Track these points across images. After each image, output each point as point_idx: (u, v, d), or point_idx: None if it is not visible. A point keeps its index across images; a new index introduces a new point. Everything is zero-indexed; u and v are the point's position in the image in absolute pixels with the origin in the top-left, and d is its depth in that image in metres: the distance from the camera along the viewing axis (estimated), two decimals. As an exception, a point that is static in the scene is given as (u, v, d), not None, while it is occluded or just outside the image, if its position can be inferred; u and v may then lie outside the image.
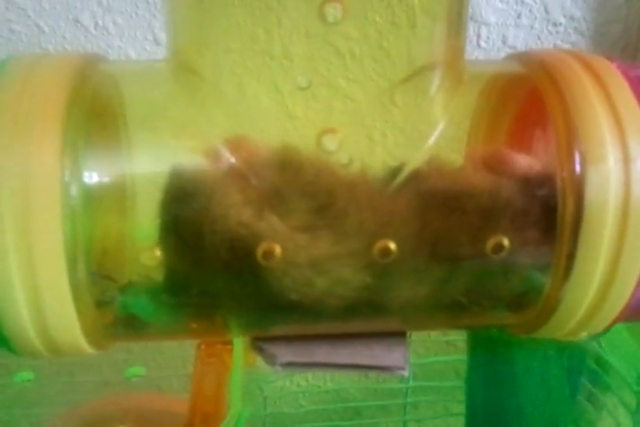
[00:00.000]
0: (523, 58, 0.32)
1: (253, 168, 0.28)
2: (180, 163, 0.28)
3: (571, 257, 0.28)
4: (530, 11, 0.57)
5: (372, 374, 0.34)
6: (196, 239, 0.27)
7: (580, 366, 0.45)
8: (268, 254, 0.27)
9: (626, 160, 0.27)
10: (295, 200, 0.28)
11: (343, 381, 0.68)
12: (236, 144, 0.28)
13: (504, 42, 0.57)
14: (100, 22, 0.54)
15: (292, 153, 0.28)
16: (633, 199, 0.27)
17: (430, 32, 0.29)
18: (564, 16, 0.57)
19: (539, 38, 0.58)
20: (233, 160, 0.28)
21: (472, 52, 0.57)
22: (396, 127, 0.29)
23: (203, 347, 0.34)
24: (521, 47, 0.58)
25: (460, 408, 0.48)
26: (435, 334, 0.61)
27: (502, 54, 0.54)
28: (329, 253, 0.28)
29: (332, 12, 0.27)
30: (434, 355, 0.61)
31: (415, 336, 0.54)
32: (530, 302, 0.30)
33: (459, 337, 0.55)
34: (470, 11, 0.56)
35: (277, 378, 0.62)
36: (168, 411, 0.47)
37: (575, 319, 0.30)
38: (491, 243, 0.28)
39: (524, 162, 0.29)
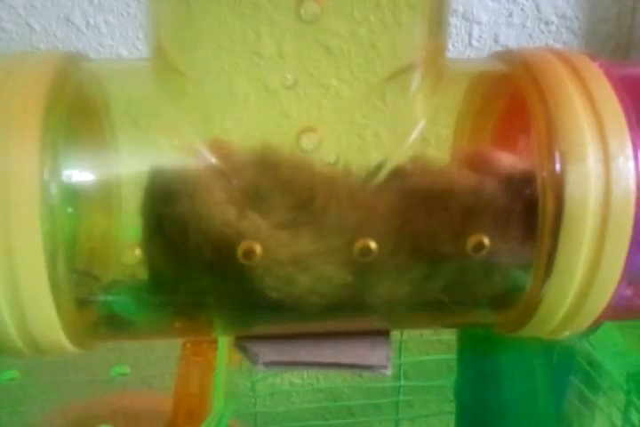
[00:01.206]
0: (505, 56, 0.32)
1: (233, 166, 0.28)
2: (161, 162, 0.28)
3: (551, 256, 0.28)
4: (522, 9, 0.57)
5: (360, 372, 0.34)
6: (177, 238, 0.27)
7: (569, 366, 0.45)
8: (249, 253, 0.27)
9: (606, 159, 0.27)
10: (274, 197, 0.28)
11: (336, 379, 0.68)
12: (217, 143, 0.28)
13: (496, 41, 0.57)
14: (92, 21, 0.54)
15: (271, 151, 0.28)
16: (613, 198, 0.27)
17: (414, 29, 0.29)
18: (556, 15, 0.57)
19: (530, 37, 0.58)
20: (213, 159, 0.28)
21: (464, 51, 0.57)
22: (380, 124, 0.29)
23: (188, 346, 0.34)
24: (513, 46, 0.58)
25: (453, 407, 0.49)
26: (427, 333, 0.61)
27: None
28: (310, 249, 0.28)
29: (309, 9, 0.27)
30: (426, 354, 0.61)
31: (407, 335, 0.54)
32: (512, 300, 0.30)
33: (451, 336, 0.55)
34: (462, 9, 0.56)
35: (269, 376, 0.62)
36: (157, 409, 0.47)
37: (557, 318, 0.30)
38: (472, 241, 0.28)
39: (506, 161, 0.29)
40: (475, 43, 0.57)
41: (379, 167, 0.28)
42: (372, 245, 0.28)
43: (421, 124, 0.29)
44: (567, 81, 0.28)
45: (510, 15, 0.57)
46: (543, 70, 0.29)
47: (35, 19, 0.54)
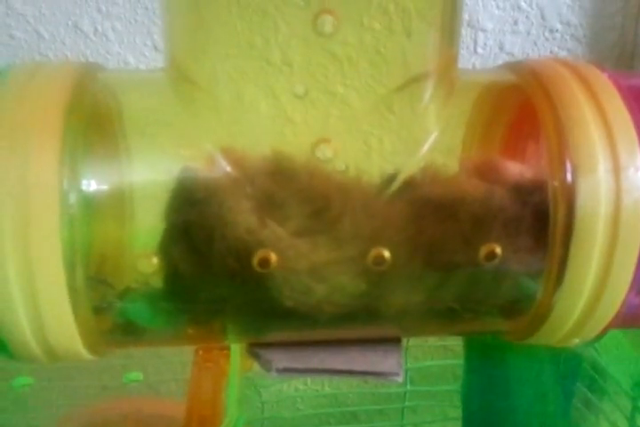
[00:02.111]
0: (515, 67, 0.32)
1: (248, 175, 0.28)
2: (182, 170, 0.28)
3: (562, 265, 0.28)
4: (526, 17, 0.57)
5: (372, 379, 0.34)
6: (199, 246, 0.28)
7: (576, 372, 0.45)
8: (265, 262, 0.27)
9: (616, 170, 0.27)
10: (290, 206, 0.28)
11: (341, 385, 0.68)
12: (231, 152, 0.29)
13: (501, 48, 0.58)
14: (100, 28, 0.55)
15: (286, 159, 0.28)
16: (623, 208, 0.27)
17: (425, 39, 0.29)
18: (561, 22, 0.57)
19: (535, 45, 0.58)
20: (229, 168, 0.28)
21: (469, 58, 0.58)
22: (391, 134, 0.29)
23: (200, 352, 0.35)
24: (518, 53, 0.58)
25: (458, 413, 0.49)
26: (432, 339, 0.61)
27: (499, 60, 0.55)
28: (326, 259, 0.28)
29: (326, 23, 0.27)
30: (431, 359, 0.61)
31: (413, 341, 0.54)
32: (522, 308, 0.31)
33: (456, 342, 0.55)
34: (467, 17, 0.56)
35: (275, 382, 0.62)
36: (166, 415, 0.48)
37: (567, 326, 0.30)
38: (484, 250, 0.28)
39: (517, 170, 0.30)
40: (480, 50, 0.57)
41: (392, 177, 0.29)
42: (386, 254, 0.28)
43: (434, 135, 0.29)
44: (577, 92, 0.29)
45: (515, 23, 0.57)
46: (553, 81, 0.29)
47: (43, 26, 0.54)
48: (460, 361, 0.46)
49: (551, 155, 0.28)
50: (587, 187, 0.27)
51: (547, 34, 0.58)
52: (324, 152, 0.28)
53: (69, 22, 0.54)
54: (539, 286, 0.29)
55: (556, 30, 0.57)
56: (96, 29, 0.55)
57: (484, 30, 0.57)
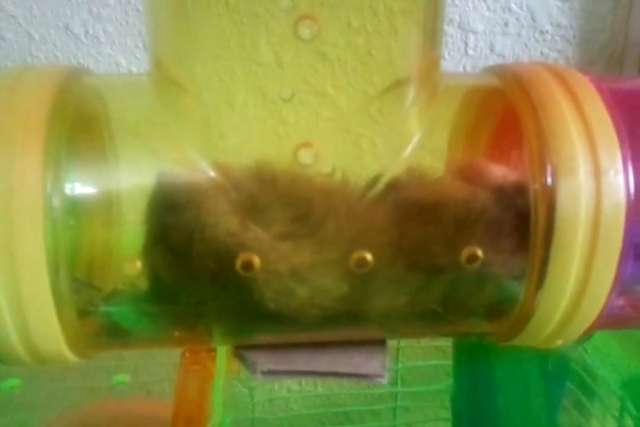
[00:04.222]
0: (498, 71, 0.32)
1: (232, 179, 0.28)
2: (164, 174, 0.28)
3: (543, 267, 0.28)
4: (517, 19, 0.57)
5: (356, 381, 0.34)
6: (181, 249, 0.28)
7: (563, 373, 0.45)
8: (248, 265, 0.27)
9: (596, 173, 0.27)
10: (273, 210, 0.28)
11: (333, 385, 0.68)
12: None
13: (491, 49, 0.58)
14: (91, 30, 0.55)
15: (270, 163, 0.28)
16: (603, 211, 0.27)
17: (409, 40, 0.29)
18: (551, 24, 0.57)
19: (526, 46, 0.58)
20: (212, 173, 0.28)
21: (460, 60, 0.58)
22: (376, 136, 0.29)
23: (187, 354, 0.35)
24: (508, 55, 0.58)
25: (449, 413, 0.49)
26: (424, 340, 0.61)
27: (490, 62, 0.55)
28: (309, 261, 0.28)
29: (307, 28, 0.27)
30: (422, 359, 0.61)
31: (404, 342, 0.55)
32: (505, 310, 0.31)
33: (447, 342, 0.56)
34: (458, 18, 0.56)
35: (267, 382, 0.62)
36: (156, 416, 0.48)
37: (550, 327, 0.30)
38: (465, 253, 0.29)
39: (500, 173, 0.30)
40: (471, 52, 0.58)
41: (375, 179, 0.29)
42: (368, 256, 0.28)
43: (417, 137, 0.30)
44: (559, 96, 0.29)
45: (506, 24, 0.57)
46: (535, 85, 0.30)
47: (34, 28, 0.54)
48: (451, 361, 0.46)
49: (532, 158, 0.28)
50: (567, 190, 0.27)
51: (537, 35, 0.58)
52: (307, 156, 0.28)
53: (60, 24, 0.54)
54: (521, 287, 0.29)
55: (547, 32, 0.58)
56: (87, 31, 0.55)
57: (474, 32, 0.57)
